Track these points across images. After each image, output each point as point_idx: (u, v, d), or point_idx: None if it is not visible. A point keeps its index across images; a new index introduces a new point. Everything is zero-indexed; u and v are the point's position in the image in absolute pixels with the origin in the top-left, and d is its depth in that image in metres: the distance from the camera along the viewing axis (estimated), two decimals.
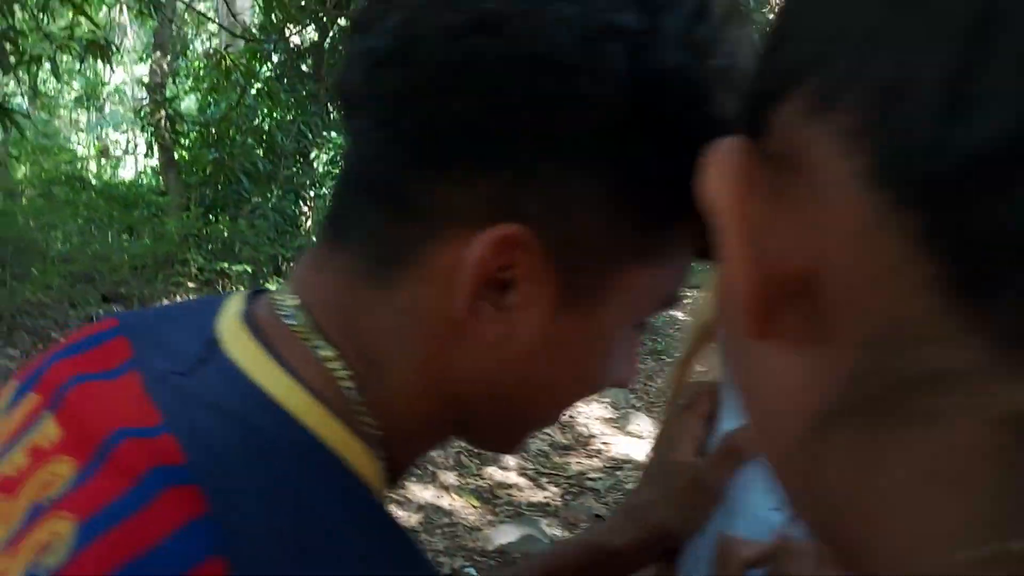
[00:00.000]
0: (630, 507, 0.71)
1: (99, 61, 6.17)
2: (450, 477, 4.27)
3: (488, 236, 0.44)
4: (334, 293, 0.49)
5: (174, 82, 10.32)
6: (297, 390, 0.46)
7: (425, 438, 0.52)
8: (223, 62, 7.71)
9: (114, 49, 6.62)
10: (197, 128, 9.53)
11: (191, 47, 11.75)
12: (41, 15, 6.19)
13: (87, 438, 0.45)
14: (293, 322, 0.49)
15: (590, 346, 0.49)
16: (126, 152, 13.29)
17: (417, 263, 0.46)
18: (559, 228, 0.44)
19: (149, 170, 11.43)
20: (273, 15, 7.35)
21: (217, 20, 8.92)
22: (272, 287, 0.55)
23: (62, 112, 13.90)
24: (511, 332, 0.46)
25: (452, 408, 0.50)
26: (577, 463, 4.65)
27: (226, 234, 9.25)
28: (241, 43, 8.82)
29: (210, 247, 9.20)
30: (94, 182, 10.96)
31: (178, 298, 8.11)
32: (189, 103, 10.53)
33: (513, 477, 4.39)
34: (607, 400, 5.37)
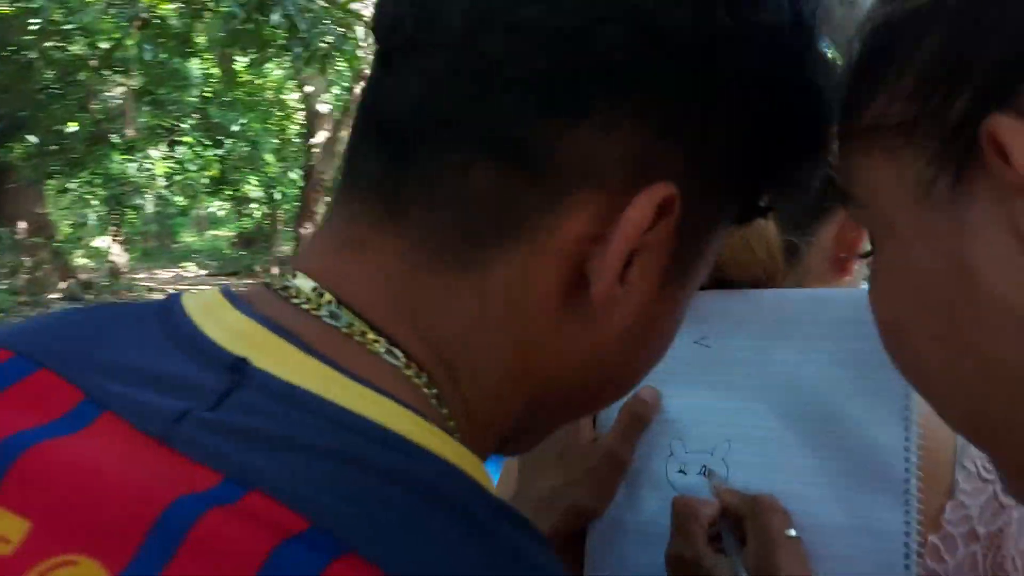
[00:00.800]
0: (534, 499, 0.67)
1: None
2: None
3: (653, 196, 0.37)
4: (390, 283, 0.38)
5: None
6: (398, 408, 0.36)
7: (485, 455, 0.43)
8: None
9: None
10: None
11: None
12: None
13: (109, 524, 0.31)
14: (335, 323, 0.37)
15: (676, 317, 0.44)
16: None
17: (526, 237, 0.37)
18: (693, 186, 0.38)
19: None
20: None
21: None
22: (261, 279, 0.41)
23: None
24: (624, 311, 0.39)
25: (524, 412, 0.42)
26: None
27: None
28: None
29: None
30: None
31: None
32: None
33: None
34: None
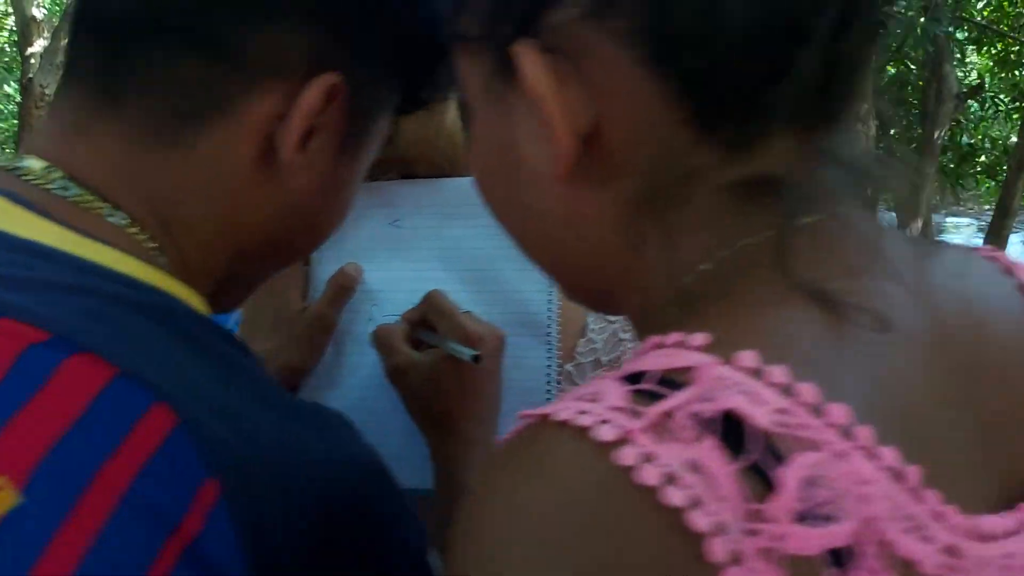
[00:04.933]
0: None
1: None
2: None
3: (322, 84, 0.48)
4: (113, 158, 0.47)
5: None
6: (122, 255, 0.45)
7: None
8: None
9: None
10: None
11: None
12: None
13: None
14: (66, 194, 0.45)
15: (351, 186, 0.56)
16: None
17: (226, 116, 0.47)
18: (360, 77, 0.50)
19: None
20: None
21: None
22: None
23: None
24: (308, 177, 0.50)
25: (232, 264, 0.52)
26: None
27: None
28: None
29: None
30: None
31: None
32: None
33: None
34: None
